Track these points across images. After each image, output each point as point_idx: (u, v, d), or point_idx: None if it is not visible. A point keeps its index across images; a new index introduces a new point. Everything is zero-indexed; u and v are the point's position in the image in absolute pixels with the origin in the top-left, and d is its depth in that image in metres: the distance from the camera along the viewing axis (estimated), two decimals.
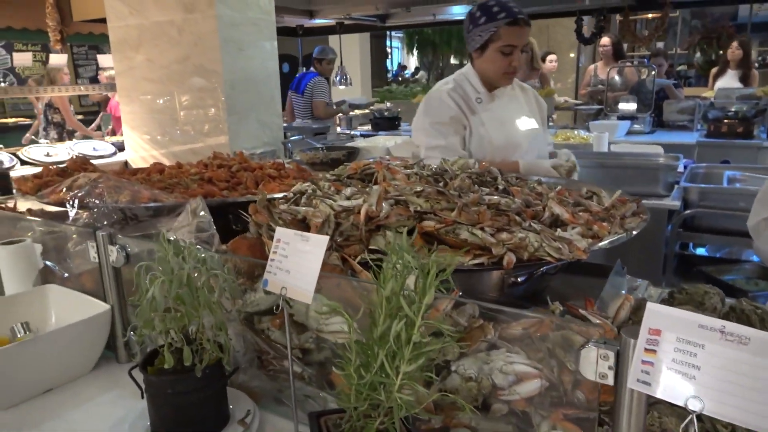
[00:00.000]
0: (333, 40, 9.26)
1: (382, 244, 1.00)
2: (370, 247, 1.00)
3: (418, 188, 1.08)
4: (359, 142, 3.95)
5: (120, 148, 4.64)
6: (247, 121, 3.96)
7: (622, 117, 5.08)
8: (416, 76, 16.11)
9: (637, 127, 4.97)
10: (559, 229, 1.06)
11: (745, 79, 5.98)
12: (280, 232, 0.93)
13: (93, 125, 6.75)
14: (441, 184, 1.42)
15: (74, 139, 4.65)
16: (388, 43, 15.80)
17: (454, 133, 2.07)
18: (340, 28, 6.65)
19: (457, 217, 1.01)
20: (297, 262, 0.91)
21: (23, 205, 1.80)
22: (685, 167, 2.77)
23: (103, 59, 4.72)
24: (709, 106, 5.28)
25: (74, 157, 1.69)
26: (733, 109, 4.63)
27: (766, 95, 4.84)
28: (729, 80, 6.19)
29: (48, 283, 1.30)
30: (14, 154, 4.12)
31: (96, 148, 4.55)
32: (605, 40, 5.87)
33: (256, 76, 3.95)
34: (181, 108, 3.99)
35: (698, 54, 9.63)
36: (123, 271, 1.18)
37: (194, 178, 1.92)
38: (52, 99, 5.43)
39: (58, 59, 5.93)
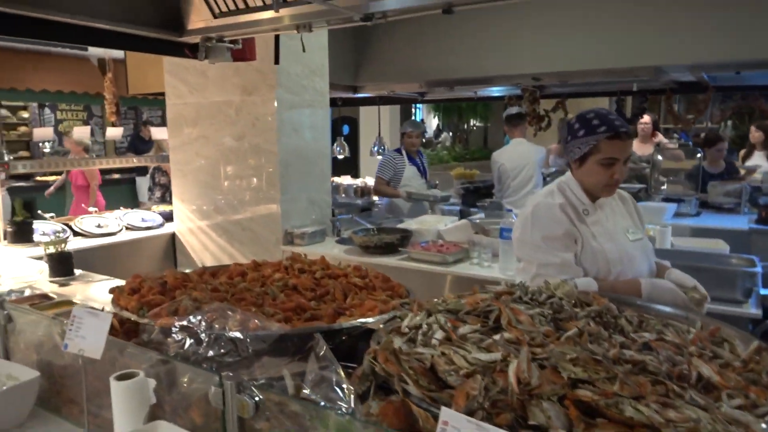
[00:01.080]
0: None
1: (542, 418, 0.94)
2: (530, 422, 0.94)
3: (571, 354, 1.04)
4: (410, 224, 3.93)
5: (167, 218, 4.68)
6: (299, 199, 3.99)
7: (668, 199, 5.04)
8: (439, 138, 16.26)
9: (683, 209, 4.91)
10: (723, 404, 1.00)
11: None
12: None
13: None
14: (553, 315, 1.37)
15: (123, 209, 4.71)
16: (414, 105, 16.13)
17: (567, 248, 1.96)
18: (380, 101, 6.81)
19: (620, 390, 0.96)
20: None
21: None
22: None
23: (157, 132, 4.83)
24: (755, 190, 5.23)
25: (170, 272, 1.67)
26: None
27: None
28: (758, 160, 6.21)
29: (157, 419, 1.26)
30: (66, 224, 4.17)
31: (145, 218, 4.59)
32: (646, 118, 5.92)
33: (309, 155, 4.01)
34: (234, 184, 4.04)
35: (730, 128, 9.67)
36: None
37: (278, 284, 1.89)
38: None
39: (82, 132, 6.10)
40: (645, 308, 1.57)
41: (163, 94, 4.55)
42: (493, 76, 5.08)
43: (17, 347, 1.66)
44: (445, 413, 0.88)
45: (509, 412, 1.00)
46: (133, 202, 8.83)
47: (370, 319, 1.55)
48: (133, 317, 1.48)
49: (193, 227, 4.37)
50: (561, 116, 6.05)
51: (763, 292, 2.50)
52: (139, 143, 8.26)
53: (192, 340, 1.35)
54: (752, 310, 2.49)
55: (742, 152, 6.69)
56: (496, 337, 1.23)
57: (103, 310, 1.46)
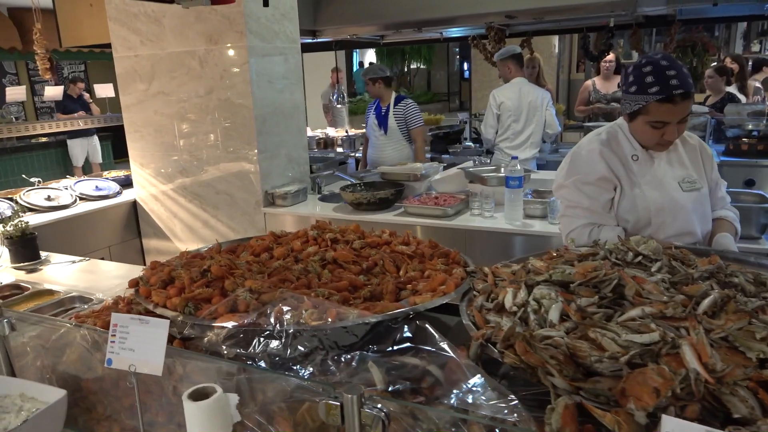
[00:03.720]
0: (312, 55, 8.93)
1: (744, 409, 0.82)
2: (734, 415, 0.82)
3: (761, 331, 0.91)
4: (389, 171, 3.67)
5: (123, 184, 4.26)
6: (277, 157, 3.69)
7: None
8: None
9: None
10: None
11: (743, 90, 6.12)
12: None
13: None
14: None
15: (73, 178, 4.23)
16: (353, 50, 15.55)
17: (600, 194, 1.88)
18: (336, 46, 6.42)
19: None
20: None
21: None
22: None
23: (102, 89, 4.31)
24: (717, 123, 5.34)
25: (217, 258, 1.41)
26: (751, 127, 4.68)
27: None
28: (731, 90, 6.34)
29: None
30: (10, 199, 3.70)
31: (99, 187, 4.16)
32: (610, 56, 5.86)
33: (284, 108, 3.69)
34: (203, 144, 3.68)
35: None
36: None
37: (314, 259, 1.68)
38: None
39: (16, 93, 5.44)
40: (736, 260, 1.48)
41: (104, 46, 4.05)
42: (463, 15, 4.83)
43: (26, 362, 1.38)
44: (669, 423, 0.73)
45: (696, 403, 0.87)
46: (66, 169, 8.10)
47: (452, 294, 1.37)
48: (180, 317, 1.24)
49: (156, 193, 3.99)
50: (527, 55, 5.90)
51: None
52: (68, 102, 7.48)
53: (265, 341, 1.14)
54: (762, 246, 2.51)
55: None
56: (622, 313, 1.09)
57: (150, 312, 1.21)
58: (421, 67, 16.19)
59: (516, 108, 4.54)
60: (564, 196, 1.97)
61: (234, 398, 1.04)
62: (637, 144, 1.92)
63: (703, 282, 1.21)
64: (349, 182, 3.85)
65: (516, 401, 0.88)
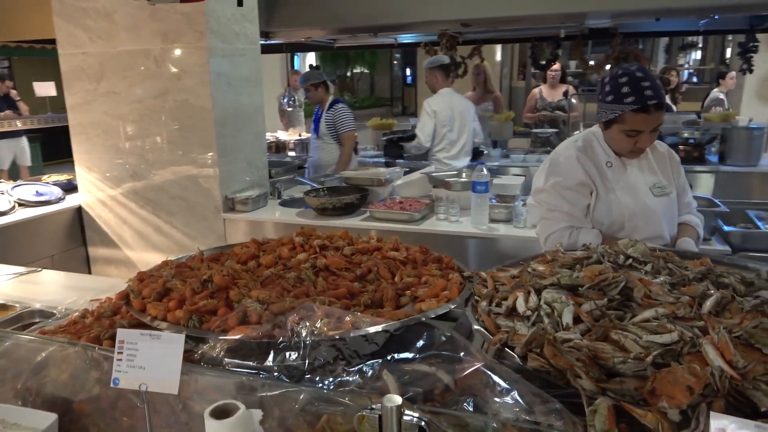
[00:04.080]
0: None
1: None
2: (762, 408, 0.86)
3: (760, 323, 0.96)
4: (352, 176, 3.66)
5: (66, 189, 4.02)
6: (237, 162, 3.60)
7: None
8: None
9: None
10: None
11: (674, 101, 6.54)
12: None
13: None
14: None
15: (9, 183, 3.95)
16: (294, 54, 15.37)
17: (578, 199, 1.95)
18: (287, 48, 6.33)
19: None
20: None
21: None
22: None
23: (42, 87, 4.05)
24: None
25: (218, 267, 1.36)
26: (687, 135, 4.99)
27: (712, 121, 5.28)
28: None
29: None
30: None
31: (39, 192, 3.89)
32: (556, 65, 6.10)
33: (245, 111, 3.60)
34: (157, 147, 3.53)
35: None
36: None
37: (306, 267, 1.64)
38: None
39: None
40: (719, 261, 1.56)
41: (46, 41, 3.82)
42: (419, 21, 4.88)
43: (5, 383, 1.27)
44: (719, 420, 0.76)
45: (721, 399, 0.91)
46: None
47: (457, 300, 1.38)
48: (184, 332, 1.17)
49: (104, 198, 3.79)
50: (477, 62, 6.04)
51: (726, 228, 2.68)
52: None
53: (281, 353, 1.10)
54: (718, 246, 2.68)
55: None
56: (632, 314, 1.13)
57: (146, 326, 1.14)
58: (365, 71, 16.24)
59: (449, 118, 4.66)
60: (544, 200, 2.03)
61: (258, 414, 1.00)
62: (611, 151, 2.00)
63: (698, 283, 1.27)
64: (308, 187, 3.80)
65: (559, 405, 0.89)
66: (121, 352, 1.03)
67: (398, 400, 0.91)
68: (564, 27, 4.73)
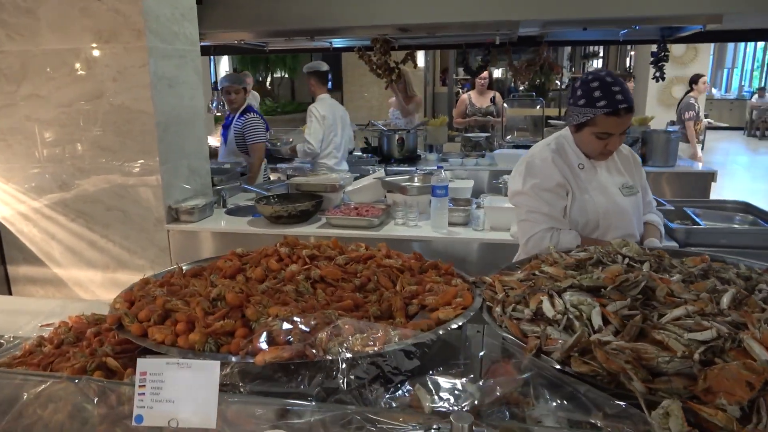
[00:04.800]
0: None
1: None
2: None
3: None
4: (304, 183, 3.56)
5: None
6: (179, 168, 3.39)
7: (518, 146, 5.50)
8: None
9: None
10: None
11: None
12: None
13: None
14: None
15: None
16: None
17: (557, 200, 1.99)
18: (215, 50, 6.09)
19: None
20: None
21: None
22: None
23: None
24: None
25: (228, 283, 1.24)
26: None
27: (636, 124, 5.64)
28: None
29: None
30: None
31: None
32: (484, 73, 6.28)
33: (186, 115, 3.40)
34: (88, 155, 3.25)
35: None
36: None
37: (301, 279, 1.54)
38: None
39: None
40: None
41: None
42: (356, 26, 4.85)
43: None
44: None
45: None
46: None
47: (474, 306, 1.35)
48: (197, 359, 1.06)
49: (27, 212, 3.44)
50: (411, 68, 6.10)
51: (672, 225, 2.85)
52: None
53: (316, 374, 1.03)
54: (666, 242, 2.84)
55: None
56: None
57: (153, 353, 1.02)
58: (285, 76, 15.96)
59: (333, 122, 4.78)
60: (523, 202, 2.05)
61: None
62: (581, 154, 2.07)
63: (703, 280, 1.33)
64: (255, 195, 3.65)
65: (631, 408, 0.88)
66: (144, 385, 0.91)
67: (469, 417, 0.87)
68: (498, 34, 4.87)
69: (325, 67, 4.90)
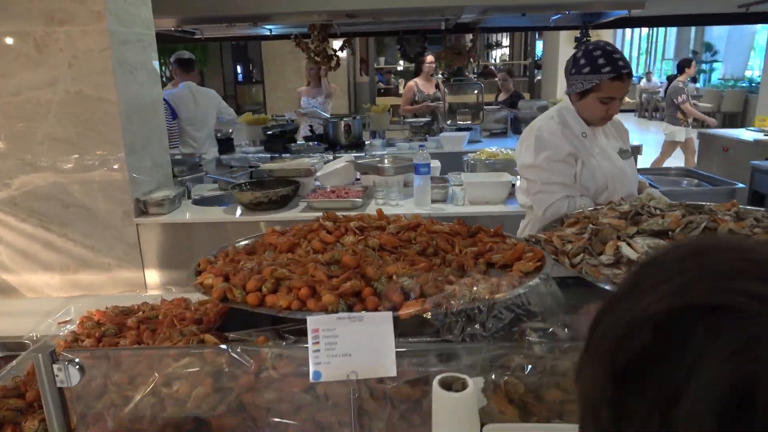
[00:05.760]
0: None
1: None
2: None
3: None
4: (277, 168, 3.50)
5: None
6: (144, 161, 3.20)
7: (460, 129, 5.68)
8: None
9: (474, 136, 5.61)
10: None
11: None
12: None
13: None
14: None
15: None
16: None
17: (569, 168, 2.11)
18: None
19: None
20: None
21: None
22: None
23: None
24: (515, 117, 6.28)
25: (339, 247, 1.24)
26: None
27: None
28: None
29: None
30: None
31: None
32: (430, 58, 6.38)
33: (146, 104, 3.22)
34: (42, 148, 2.99)
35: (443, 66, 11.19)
36: None
37: (368, 247, 1.54)
38: None
39: None
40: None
41: None
42: (300, 11, 4.80)
43: (88, 413, 1.03)
44: None
45: None
46: None
47: (548, 260, 1.43)
48: (336, 314, 1.06)
49: None
50: (350, 56, 6.10)
51: None
52: None
53: (456, 323, 1.06)
54: None
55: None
56: None
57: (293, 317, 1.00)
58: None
59: (196, 115, 4.95)
60: (537, 174, 2.14)
61: (479, 382, 0.96)
62: (583, 123, 2.21)
63: (737, 221, 1.50)
64: (220, 183, 3.53)
65: None
66: (318, 342, 0.91)
67: None
68: (442, 19, 5.01)
69: (185, 55, 5.15)
